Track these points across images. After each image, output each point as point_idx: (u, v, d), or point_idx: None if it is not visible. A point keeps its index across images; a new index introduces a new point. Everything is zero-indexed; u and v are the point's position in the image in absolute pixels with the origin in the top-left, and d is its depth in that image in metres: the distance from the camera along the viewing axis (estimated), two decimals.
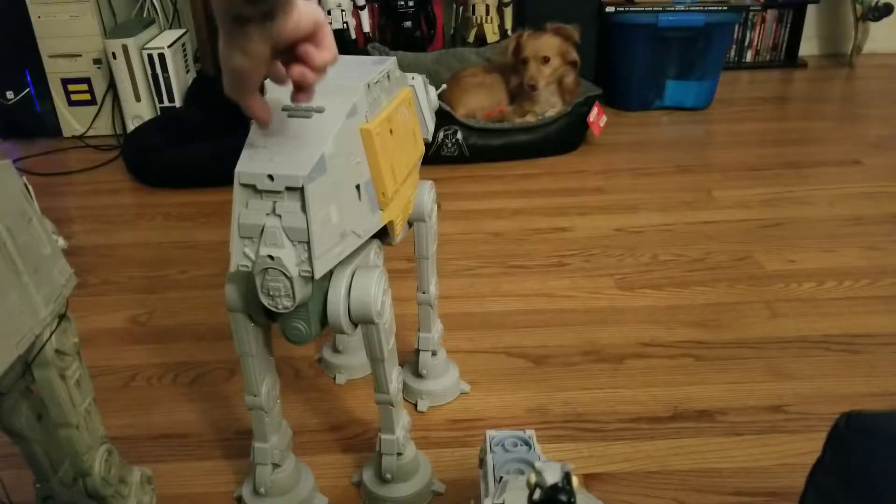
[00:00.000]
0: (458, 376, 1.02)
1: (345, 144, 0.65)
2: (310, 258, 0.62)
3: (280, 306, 0.64)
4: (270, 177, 0.60)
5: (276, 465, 0.80)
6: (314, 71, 0.58)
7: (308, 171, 0.60)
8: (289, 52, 0.58)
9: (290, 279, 0.62)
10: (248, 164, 0.62)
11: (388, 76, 0.76)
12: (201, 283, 1.33)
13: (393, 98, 0.76)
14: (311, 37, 0.57)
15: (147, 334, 1.19)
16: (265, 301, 0.64)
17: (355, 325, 0.71)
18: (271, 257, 0.62)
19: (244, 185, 0.62)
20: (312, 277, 0.63)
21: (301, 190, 0.60)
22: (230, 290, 0.69)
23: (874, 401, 0.98)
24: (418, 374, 1.00)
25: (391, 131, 0.73)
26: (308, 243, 0.61)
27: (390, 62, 0.77)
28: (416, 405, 0.99)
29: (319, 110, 0.63)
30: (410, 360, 1.01)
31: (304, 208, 0.61)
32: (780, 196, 1.59)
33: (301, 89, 0.60)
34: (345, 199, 0.65)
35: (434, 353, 0.99)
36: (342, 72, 0.67)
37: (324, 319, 0.69)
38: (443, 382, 1.00)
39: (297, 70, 0.58)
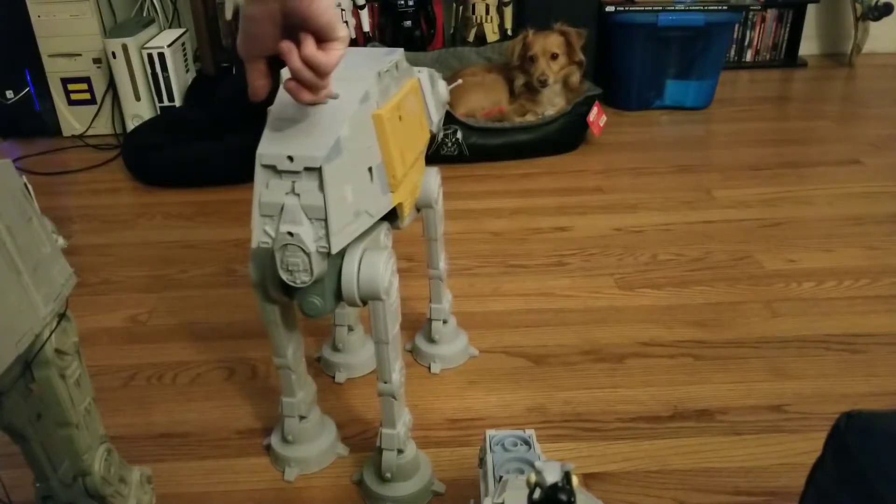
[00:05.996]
0: (467, 342, 1.10)
1: (358, 129, 0.68)
2: (327, 234, 0.65)
3: (298, 281, 0.67)
4: (290, 158, 0.64)
5: (302, 417, 0.86)
6: (302, 60, 0.59)
7: (326, 153, 0.63)
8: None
9: (308, 254, 0.66)
10: (269, 147, 0.65)
11: (397, 66, 0.80)
12: (201, 282, 1.33)
13: (401, 87, 0.80)
14: (321, 37, 0.59)
15: (147, 334, 1.19)
16: (284, 276, 0.67)
17: (364, 302, 0.74)
18: (290, 234, 0.65)
19: (265, 166, 0.66)
20: (329, 252, 0.66)
21: (319, 170, 0.64)
22: (253, 268, 0.73)
23: (874, 401, 0.98)
24: (431, 340, 1.08)
25: (400, 118, 0.76)
26: (325, 220, 0.65)
27: (398, 53, 0.81)
28: (429, 367, 1.07)
29: (334, 97, 0.66)
30: (424, 328, 1.10)
31: (321, 187, 0.64)
32: (780, 196, 1.59)
33: (298, 82, 0.61)
34: (358, 180, 0.69)
35: (445, 322, 1.07)
36: (355, 61, 0.72)
37: (337, 294, 0.73)
38: (453, 347, 1.08)
39: (288, 46, 0.59)
